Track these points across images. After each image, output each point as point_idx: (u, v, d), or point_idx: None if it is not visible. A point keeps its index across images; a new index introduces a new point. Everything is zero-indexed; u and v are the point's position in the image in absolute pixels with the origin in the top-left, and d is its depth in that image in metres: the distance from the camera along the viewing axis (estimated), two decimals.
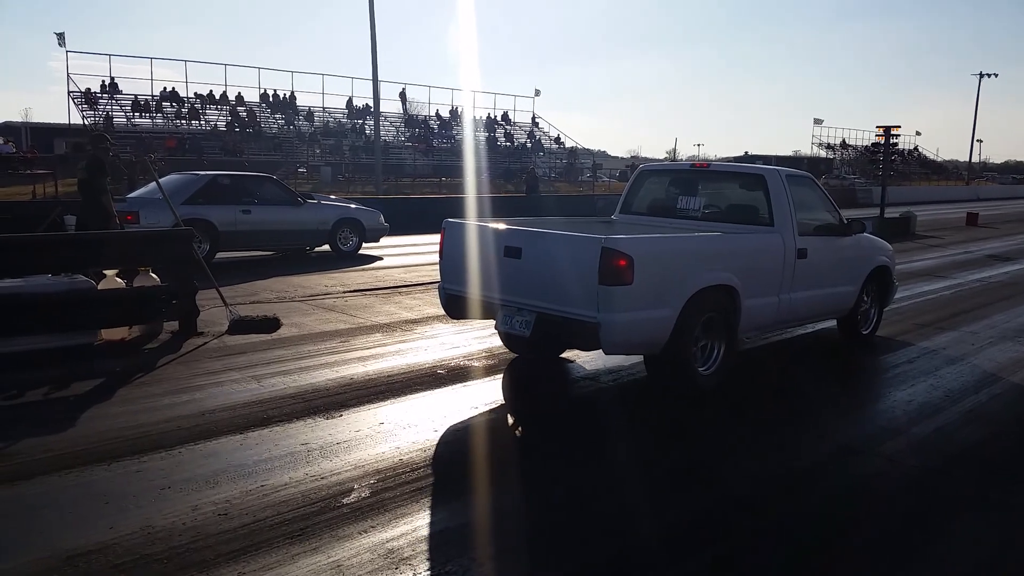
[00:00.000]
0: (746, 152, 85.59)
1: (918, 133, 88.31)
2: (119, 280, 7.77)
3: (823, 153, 78.76)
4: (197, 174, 13.93)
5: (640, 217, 7.81)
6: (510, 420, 5.61)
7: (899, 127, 22.60)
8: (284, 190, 14.66)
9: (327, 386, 6.10)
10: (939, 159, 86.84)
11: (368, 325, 8.44)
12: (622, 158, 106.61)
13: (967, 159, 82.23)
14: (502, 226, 6.33)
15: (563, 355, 7.26)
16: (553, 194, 34.28)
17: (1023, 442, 5.40)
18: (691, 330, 5.85)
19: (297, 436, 4.99)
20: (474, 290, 6.31)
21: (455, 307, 6.61)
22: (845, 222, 7.61)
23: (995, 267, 14.97)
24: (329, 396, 5.84)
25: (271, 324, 8.08)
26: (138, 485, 4.20)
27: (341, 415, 5.42)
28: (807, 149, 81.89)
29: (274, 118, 42.94)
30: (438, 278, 6.77)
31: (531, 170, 31.34)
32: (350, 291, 10.70)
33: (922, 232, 22.32)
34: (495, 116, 52.28)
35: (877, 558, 3.69)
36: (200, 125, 39.31)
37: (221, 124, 39.57)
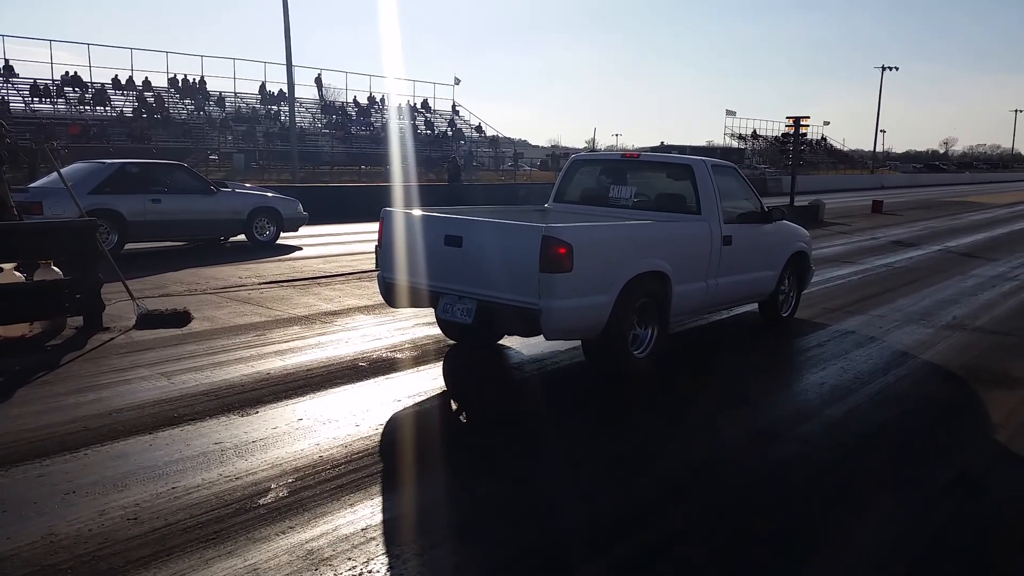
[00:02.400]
0: (662, 142, 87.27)
1: (826, 123, 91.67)
2: (18, 274, 7.33)
3: (735, 143, 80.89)
4: (104, 162, 13.31)
5: (573, 206, 7.95)
6: (436, 411, 5.53)
7: (808, 118, 23.39)
8: (196, 178, 14.13)
9: (242, 382, 5.89)
10: (845, 149, 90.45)
11: (285, 318, 8.20)
12: (542, 147, 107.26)
13: (872, 149, 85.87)
14: (442, 215, 6.39)
15: (501, 342, 7.23)
16: (476, 183, 34.20)
17: (931, 421, 5.61)
18: (627, 315, 6.04)
19: (210, 435, 4.79)
20: (414, 278, 6.37)
21: (394, 296, 6.63)
22: (766, 210, 7.92)
23: (900, 253, 15.63)
24: (244, 392, 5.64)
25: (181, 318, 7.77)
26: (40, 490, 3.95)
27: (257, 412, 5.23)
28: (720, 140, 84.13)
29: (183, 104, 41.47)
30: (359, 268, 6.67)
31: (453, 159, 31.20)
32: (266, 283, 10.39)
33: (830, 219, 23.14)
34: (415, 104, 51.77)
35: (797, 540, 3.77)
36: (105, 111, 37.62)
37: (127, 110, 37.98)
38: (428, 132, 49.17)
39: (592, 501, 4.10)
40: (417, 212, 6.58)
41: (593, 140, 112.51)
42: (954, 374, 6.75)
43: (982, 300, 10.33)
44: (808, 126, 23.96)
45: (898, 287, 11.27)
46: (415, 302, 6.60)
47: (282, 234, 14.79)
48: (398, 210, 6.67)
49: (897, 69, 77.94)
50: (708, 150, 71.86)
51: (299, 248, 14.31)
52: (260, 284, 10.25)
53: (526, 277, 5.53)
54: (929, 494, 4.34)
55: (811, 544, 3.73)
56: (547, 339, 5.89)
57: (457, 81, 54.58)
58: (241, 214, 14.09)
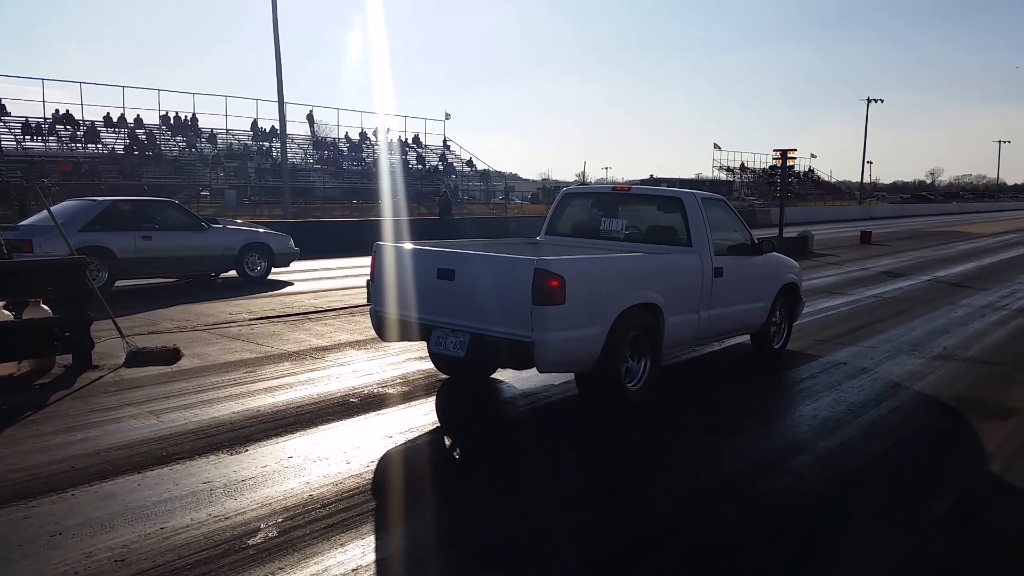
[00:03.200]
0: (651, 175, 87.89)
1: (813, 155, 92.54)
2: (6, 312, 7.29)
3: (723, 176, 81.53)
4: (95, 200, 13.37)
5: (564, 238, 7.99)
6: (427, 448, 5.48)
7: (795, 150, 23.64)
8: (186, 215, 14.13)
9: (231, 420, 5.84)
10: (833, 180, 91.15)
11: (276, 354, 8.16)
12: (533, 180, 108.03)
13: (859, 180, 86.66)
14: (435, 248, 6.44)
15: (494, 375, 7.20)
16: (467, 216, 34.33)
17: (923, 452, 5.60)
18: (620, 347, 6.03)
19: (199, 474, 4.74)
20: (406, 312, 6.34)
21: (386, 329, 6.60)
22: (756, 242, 8.00)
23: (889, 283, 15.70)
24: (234, 430, 5.59)
25: (171, 355, 7.72)
26: (26, 533, 3.89)
27: (247, 450, 5.19)
28: (708, 172, 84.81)
29: (175, 140, 41.60)
30: (350, 303, 6.66)
31: (444, 193, 31.33)
32: (256, 319, 10.35)
33: (819, 251, 23.28)
34: (406, 139, 52.11)
35: (792, 573, 3.74)
36: (97, 149, 37.70)
37: (119, 147, 38.07)
38: (419, 167, 49.45)
39: (586, 536, 4.06)
40: (409, 246, 6.59)
41: (583, 173, 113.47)
42: (946, 404, 6.75)
43: (973, 330, 10.37)
44: (795, 158, 24.21)
45: (888, 317, 11.31)
46: (407, 336, 6.52)
47: (273, 269, 14.77)
48: (389, 244, 6.68)
49: (882, 101, 78.98)
50: (697, 183, 72.46)
51: (290, 283, 14.29)
52: (250, 320, 10.22)
53: (519, 310, 5.51)
54: (926, 526, 4.31)
55: None
56: (540, 371, 5.89)
57: (447, 116, 55.22)
58: (232, 250, 14.04)
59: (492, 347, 5.79)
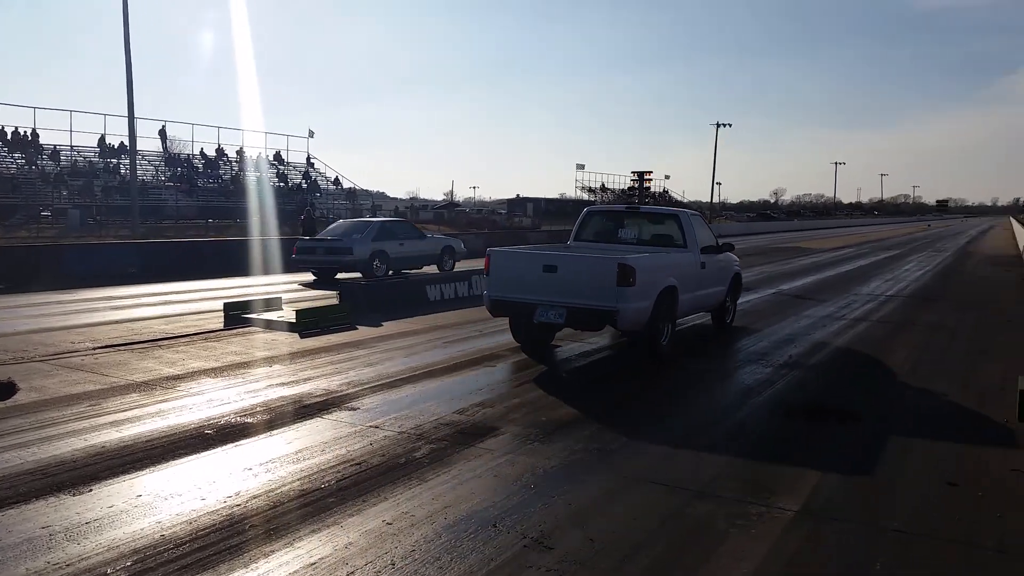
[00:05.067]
0: (518, 195, 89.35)
1: (667, 177, 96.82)
2: None
3: (586, 196, 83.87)
4: (367, 220, 19.38)
5: (590, 243, 10.82)
6: (290, 478, 5.25)
7: (651, 172, 25.10)
8: (415, 229, 20.86)
9: (74, 457, 5.41)
10: (686, 200, 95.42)
11: (122, 384, 7.65)
12: (401, 199, 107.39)
13: (709, 199, 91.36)
14: (541, 251, 9.81)
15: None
16: None
17: (775, 457, 5.86)
18: (659, 315, 8.93)
19: (37, 518, 4.36)
20: (516, 295, 9.06)
21: (500, 308, 9.40)
22: (719, 244, 11.25)
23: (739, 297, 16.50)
24: (76, 469, 5.18)
25: (5, 389, 7.09)
26: None
27: (91, 490, 4.81)
28: (572, 192, 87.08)
29: (12, 158, 38.54)
30: (204, 327, 6.32)
31: (308, 210, 30.55)
32: (101, 347, 9.68)
33: None
34: (267, 156, 50.56)
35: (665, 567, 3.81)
36: None
37: None
38: (282, 184, 48.05)
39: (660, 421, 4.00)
40: (520, 249, 10.86)
41: (451, 192, 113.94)
42: (792, 410, 7.15)
43: (814, 339, 11.08)
44: (651, 180, 25.33)
45: (738, 329, 11.91)
46: (514, 312, 9.33)
47: (456, 264, 20.31)
48: (502, 249, 9.89)
49: (731, 125, 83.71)
50: (561, 202, 74.25)
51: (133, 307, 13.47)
52: (94, 349, 9.54)
53: (606, 290, 8.44)
54: (779, 526, 4.51)
55: None
56: (619, 329, 9.04)
57: (311, 133, 53.86)
58: (436, 251, 20.18)
59: (584, 315, 8.70)
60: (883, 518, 4.66)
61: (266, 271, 21.05)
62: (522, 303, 8.94)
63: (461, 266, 19.71)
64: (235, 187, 44.24)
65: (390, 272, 18.45)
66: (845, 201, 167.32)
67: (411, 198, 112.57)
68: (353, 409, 6.93)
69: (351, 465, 5.47)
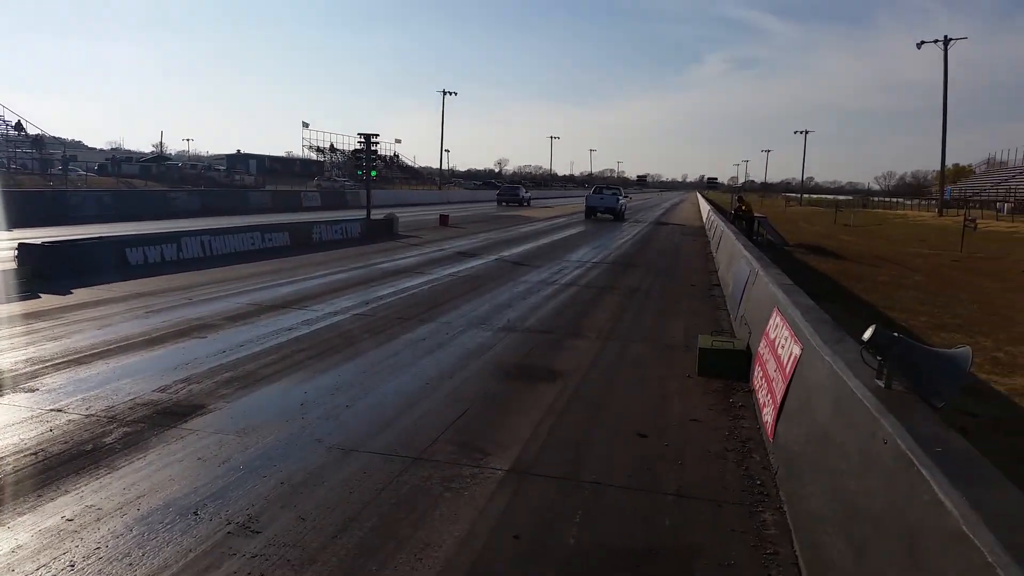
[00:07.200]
0: (239, 150, 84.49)
1: (398, 141, 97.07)
2: None
3: (314, 155, 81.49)
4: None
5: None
6: (37, 556, 4.48)
7: (378, 135, 24.38)
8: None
9: None
10: (417, 166, 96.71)
11: None
12: (102, 150, 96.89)
13: (439, 166, 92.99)
14: (603, 193, 42.19)
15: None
16: (14, 189, 29.37)
17: (489, 417, 6.06)
18: (622, 209, 42.46)
19: None
20: (597, 205, 40.35)
21: (592, 213, 39.74)
22: (625, 195, 45.30)
23: (463, 263, 17.00)
24: None
25: None
26: None
27: None
28: (299, 151, 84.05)
29: None
30: None
31: None
32: None
33: (404, 232, 24.39)
34: None
35: (373, 550, 3.76)
36: None
37: None
38: None
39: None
40: (592, 191, 43.84)
41: (161, 144, 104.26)
42: (509, 371, 7.46)
43: (529, 303, 11.68)
44: (378, 143, 24.94)
45: (462, 295, 12.22)
46: (596, 214, 39.72)
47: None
48: (589, 192, 44.20)
49: (456, 94, 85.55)
50: (287, 160, 71.34)
51: None
52: None
53: (617, 202, 40.14)
54: (490, 487, 4.65)
55: (389, 554, 3.75)
56: (621, 220, 38.93)
57: None
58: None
59: (612, 211, 39.84)
60: (583, 471, 5.01)
61: None
62: (596, 209, 40.24)
63: (161, 227, 17.94)
64: None
65: None
66: (560, 173, 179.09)
67: (113, 149, 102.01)
68: (31, 391, 6.11)
69: (25, 456, 4.81)
